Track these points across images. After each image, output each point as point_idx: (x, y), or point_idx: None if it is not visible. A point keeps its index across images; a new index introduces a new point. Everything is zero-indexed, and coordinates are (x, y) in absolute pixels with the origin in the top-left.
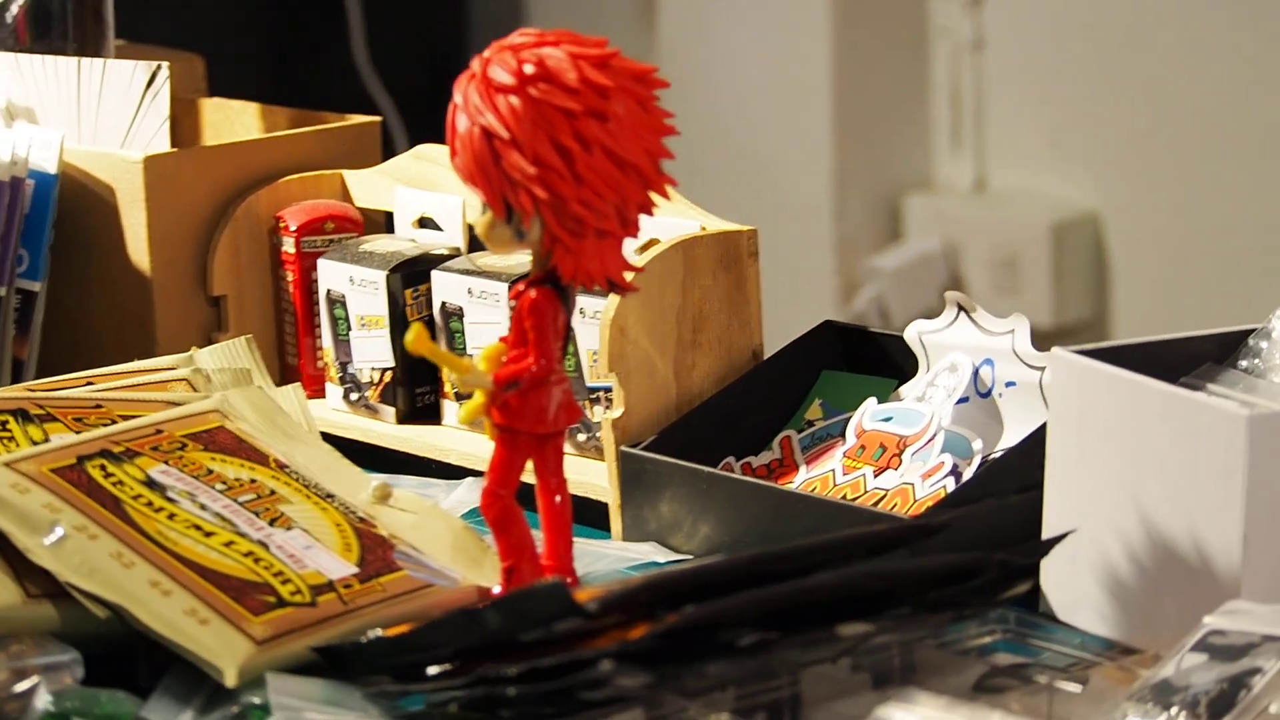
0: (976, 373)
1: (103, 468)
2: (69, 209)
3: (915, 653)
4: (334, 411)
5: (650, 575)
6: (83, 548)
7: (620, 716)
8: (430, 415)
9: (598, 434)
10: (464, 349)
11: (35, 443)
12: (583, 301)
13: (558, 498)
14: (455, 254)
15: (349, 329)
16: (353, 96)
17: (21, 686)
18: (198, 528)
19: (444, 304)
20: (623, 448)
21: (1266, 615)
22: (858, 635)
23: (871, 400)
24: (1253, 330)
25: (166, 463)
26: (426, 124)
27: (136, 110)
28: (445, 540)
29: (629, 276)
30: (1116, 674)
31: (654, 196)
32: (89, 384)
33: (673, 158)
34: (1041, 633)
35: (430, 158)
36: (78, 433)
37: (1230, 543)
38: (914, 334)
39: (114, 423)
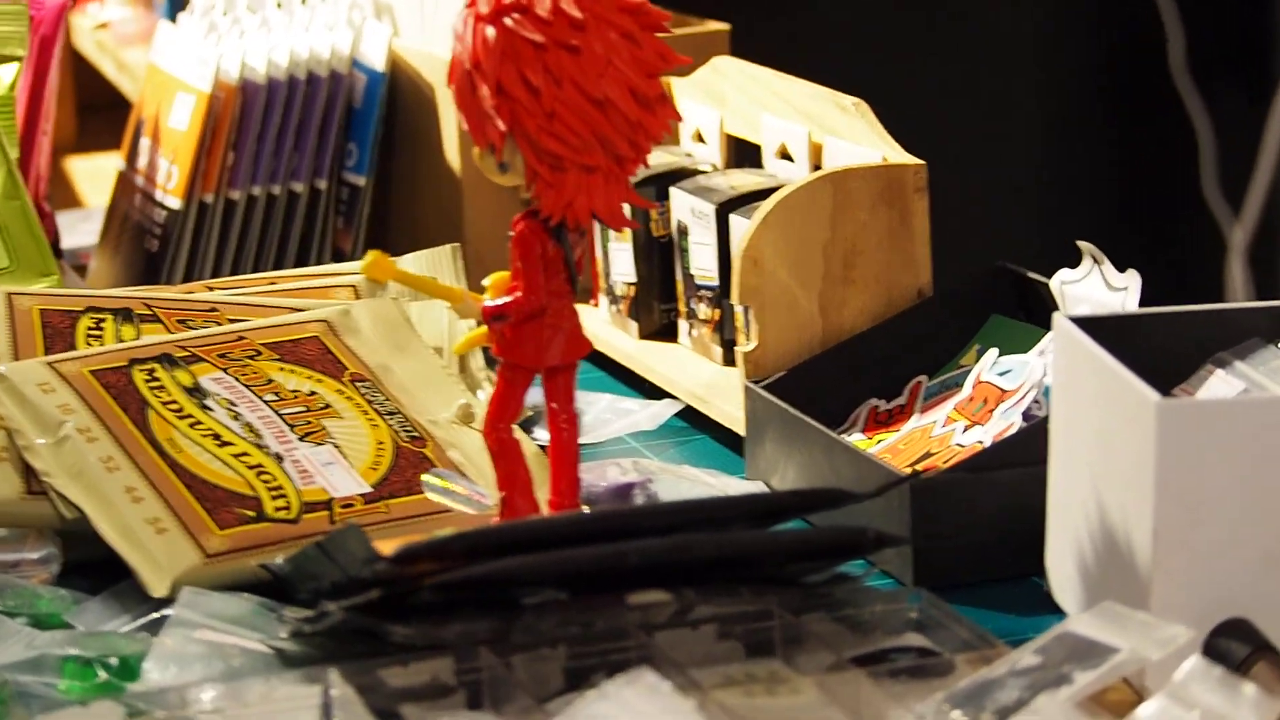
0: None
1: (151, 372)
2: (400, 106)
3: (806, 625)
4: (601, 323)
5: (476, 527)
6: (77, 449)
7: (428, 663)
8: (671, 333)
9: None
10: (689, 269)
11: (121, 341)
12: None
13: (563, 430)
14: (708, 171)
15: (609, 239)
16: None
17: None
18: (216, 436)
19: (678, 222)
20: (747, 382)
21: (1124, 622)
22: (650, 604)
23: (994, 350)
24: None
25: (226, 370)
26: None
27: None
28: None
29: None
30: (979, 665)
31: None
32: (271, 284)
33: (660, 93)
34: (950, 617)
35: (724, 71)
36: (171, 333)
37: (1144, 538)
38: (1057, 284)
39: (219, 325)
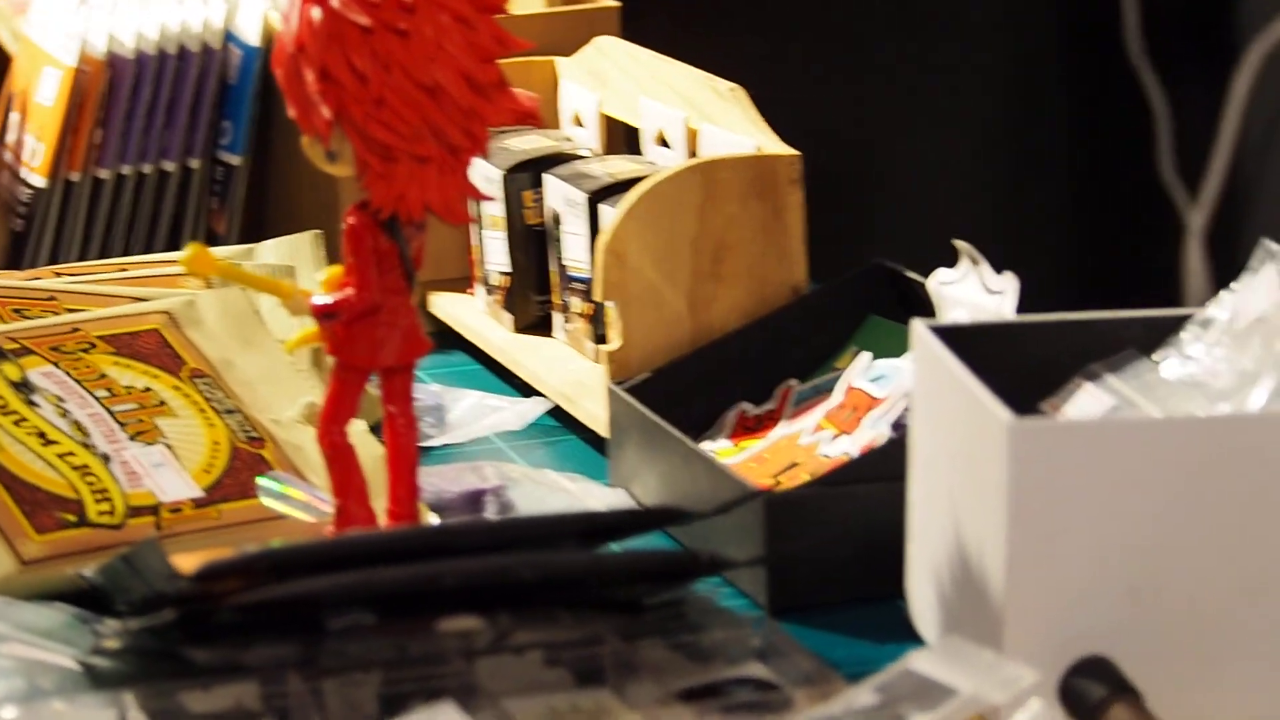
0: None
1: None
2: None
3: (641, 652)
4: (477, 313)
5: (285, 543)
6: None
7: (232, 687)
8: (548, 326)
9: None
10: (562, 260)
11: None
12: None
13: (401, 435)
14: (587, 156)
15: (482, 228)
16: None
17: None
18: (41, 435)
19: (552, 210)
20: (610, 384)
21: (968, 660)
22: (461, 631)
23: (866, 355)
24: (1187, 317)
25: (57, 364)
26: None
27: None
28: None
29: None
30: (818, 701)
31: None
32: (122, 270)
33: (491, 80)
34: (793, 647)
35: (607, 51)
36: (4, 322)
37: (998, 567)
38: (934, 284)
39: (56, 315)
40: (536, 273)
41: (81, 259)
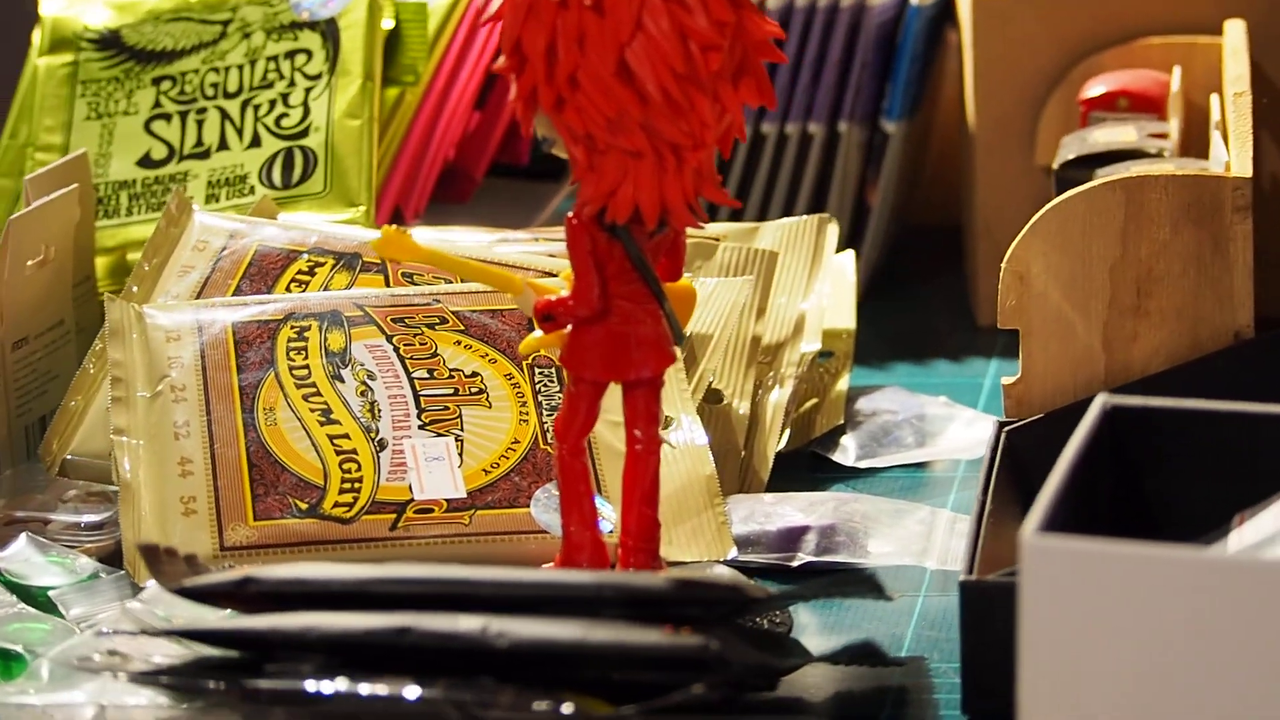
0: None
1: (302, 330)
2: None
3: None
4: None
5: (283, 571)
6: (163, 408)
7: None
8: None
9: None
10: None
11: (326, 289)
12: None
13: (639, 458)
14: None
15: None
16: None
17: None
18: (326, 412)
19: None
20: (1002, 421)
21: None
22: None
23: None
24: None
25: (391, 338)
26: None
27: None
28: (664, 490)
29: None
30: None
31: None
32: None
33: (711, 71)
34: None
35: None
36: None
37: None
38: None
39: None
40: None
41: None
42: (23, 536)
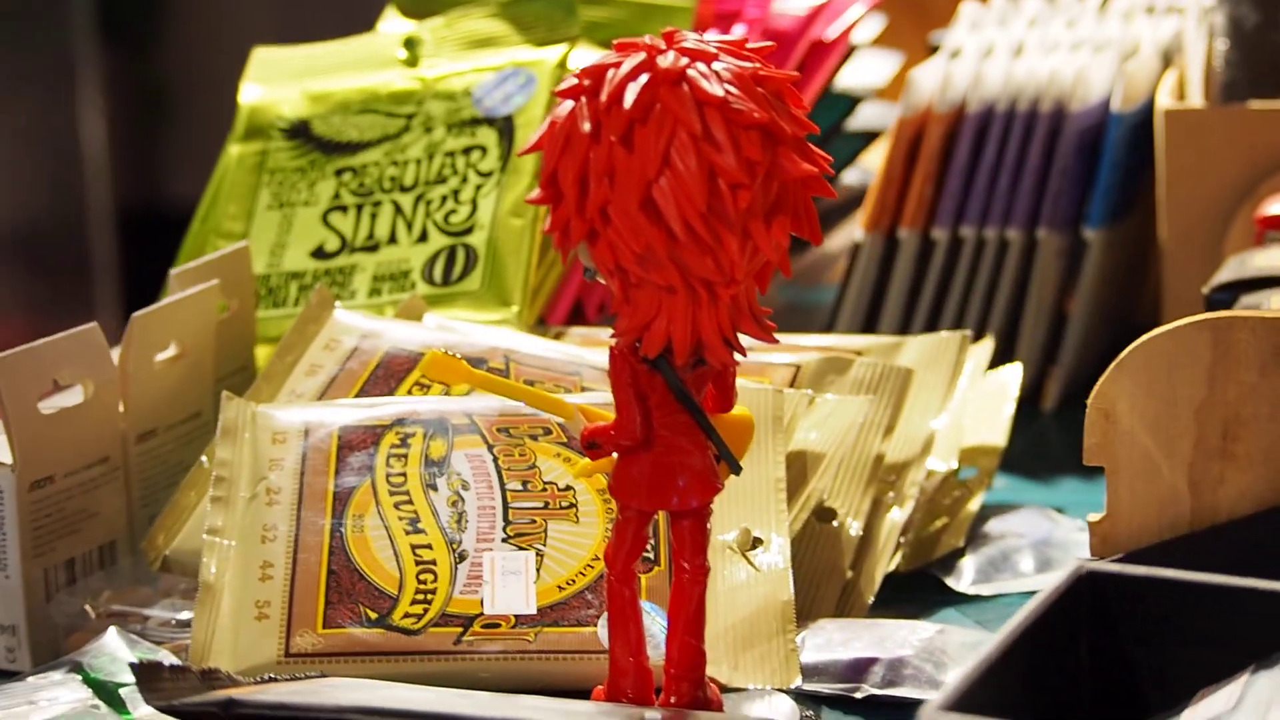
0: None
1: (406, 438)
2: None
3: None
4: None
5: (259, 693)
6: (256, 511)
7: None
8: None
9: None
10: None
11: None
12: None
13: (685, 586)
14: None
15: None
16: None
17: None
18: (414, 521)
19: None
20: (1087, 562)
21: None
22: None
23: None
24: None
25: (492, 447)
26: None
27: None
28: (738, 613)
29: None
30: None
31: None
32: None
33: (739, 209)
34: None
35: None
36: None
37: None
38: None
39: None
40: None
41: (903, 327)
42: (111, 630)
